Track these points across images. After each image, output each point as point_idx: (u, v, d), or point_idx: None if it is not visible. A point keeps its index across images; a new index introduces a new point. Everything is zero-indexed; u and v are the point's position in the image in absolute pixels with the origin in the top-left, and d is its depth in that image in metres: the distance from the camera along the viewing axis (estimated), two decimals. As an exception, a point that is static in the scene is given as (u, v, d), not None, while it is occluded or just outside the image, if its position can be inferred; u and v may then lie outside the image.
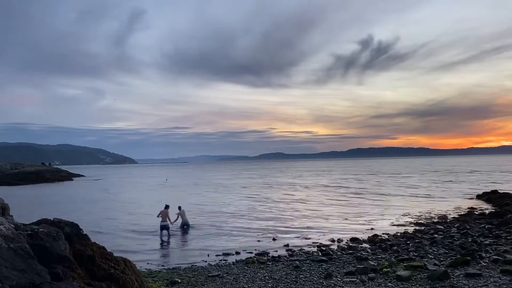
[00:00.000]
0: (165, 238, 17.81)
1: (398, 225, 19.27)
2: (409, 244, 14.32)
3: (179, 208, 20.18)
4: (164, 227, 18.25)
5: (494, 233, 15.37)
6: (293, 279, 10.15)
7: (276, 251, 14.38)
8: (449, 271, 9.75)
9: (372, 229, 18.35)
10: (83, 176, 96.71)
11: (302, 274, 10.64)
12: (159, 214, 18.84)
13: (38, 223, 6.21)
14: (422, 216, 21.93)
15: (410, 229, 18.05)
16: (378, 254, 13.03)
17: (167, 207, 19.04)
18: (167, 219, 18.52)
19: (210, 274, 11.00)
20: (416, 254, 12.55)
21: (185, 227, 19.65)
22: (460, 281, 9.19)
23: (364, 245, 14.92)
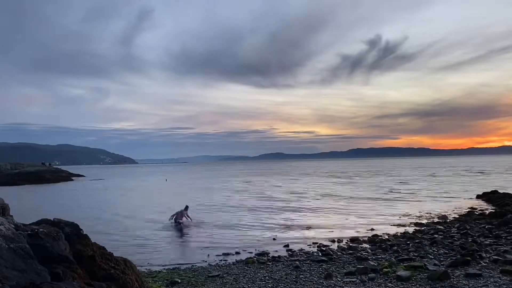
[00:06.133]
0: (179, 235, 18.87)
1: (398, 225, 19.27)
2: (409, 244, 14.32)
3: (186, 208, 21.60)
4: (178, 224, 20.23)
5: (494, 233, 15.36)
6: (293, 279, 10.15)
7: (276, 251, 14.37)
8: (449, 271, 9.75)
9: (372, 229, 18.35)
10: (83, 176, 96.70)
11: (302, 274, 10.64)
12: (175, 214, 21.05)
13: (38, 223, 6.20)
14: (422, 216, 21.93)
15: (410, 229, 18.05)
16: (378, 254, 13.02)
17: (186, 208, 21.07)
18: (183, 218, 20.57)
19: (210, 274, 11.00)
20: (416, 254, 12.54)
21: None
22: (460, 281, 9.19)
23: (364, 245, 14.91)
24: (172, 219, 21.29)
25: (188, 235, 18.72)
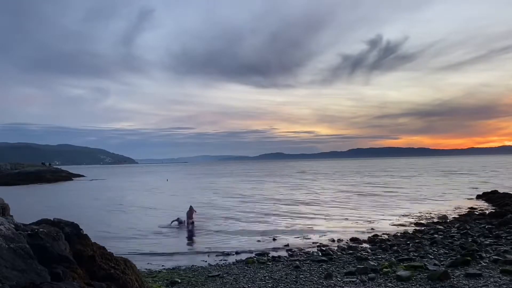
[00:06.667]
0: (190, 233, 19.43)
1: (398, 225, 19.28)
2: (409, 244, 14.32)
3: (191, 208, 21.86)
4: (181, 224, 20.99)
5: (494, 233, 15.37)
6: (293, 279, 10.15)
7: (276, 251, 14.39)
8: (449, 271, 9.75)
9: (372, 229, 18.36)
10: (83, 176, 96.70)
11: (302, 274, 10.64)
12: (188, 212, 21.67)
13: (38, 223, 6.19)
14: (422, 216, 21.94)
15: (410, 229, 18.05)
16: (378, 254, 13.03)
17: (191, 208, 21.63)
18: (193, 217, 21.33)
19: (210, 274, 11.00)
20: (416, 254, 12.55)
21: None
22: (460, 281, 9.19)
23: (364, 245, 14.92)
24: (176, 221, 21.22)
25: (188, 235, 18.75)
